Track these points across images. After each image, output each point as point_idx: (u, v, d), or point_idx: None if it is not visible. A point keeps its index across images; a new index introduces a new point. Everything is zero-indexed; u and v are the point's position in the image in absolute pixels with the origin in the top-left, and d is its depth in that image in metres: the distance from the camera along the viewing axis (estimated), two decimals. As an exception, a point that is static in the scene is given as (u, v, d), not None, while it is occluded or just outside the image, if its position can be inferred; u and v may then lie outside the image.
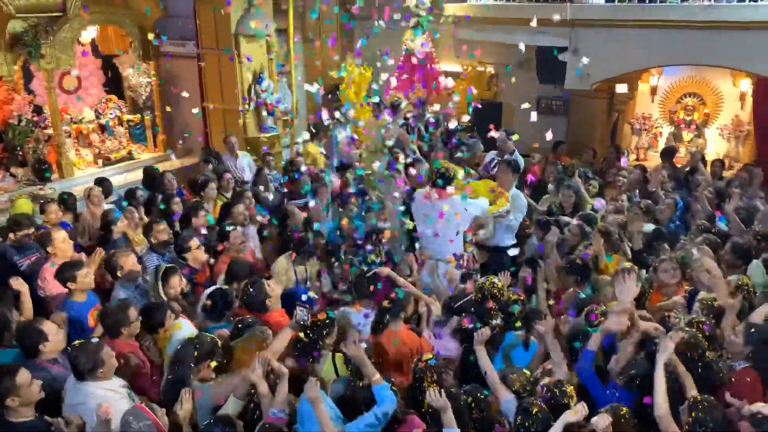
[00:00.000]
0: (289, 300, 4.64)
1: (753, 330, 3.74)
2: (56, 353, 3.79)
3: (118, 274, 4.73)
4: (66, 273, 4.44)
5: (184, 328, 4.13)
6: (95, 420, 3.21)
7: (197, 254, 5.20)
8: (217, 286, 4.71)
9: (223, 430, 3.16)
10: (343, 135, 8.05)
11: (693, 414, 3.17)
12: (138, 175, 8.23)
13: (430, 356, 3.83)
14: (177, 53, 9.60)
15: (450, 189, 5.47)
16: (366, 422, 3.36)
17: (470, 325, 4.27)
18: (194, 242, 5.22)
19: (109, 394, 3.43)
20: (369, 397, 3.51)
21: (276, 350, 3.85)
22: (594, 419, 3.18)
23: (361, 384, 3.65)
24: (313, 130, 8.73)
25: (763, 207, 6.53)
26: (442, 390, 3.29)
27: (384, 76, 7.40)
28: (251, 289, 4.46)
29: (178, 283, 4.59)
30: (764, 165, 8.95)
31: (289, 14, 8.66)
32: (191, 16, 9.15)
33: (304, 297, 4.70)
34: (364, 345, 3.90)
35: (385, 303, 4.43)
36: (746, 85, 9.70)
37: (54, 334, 3.76)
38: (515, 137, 7.51)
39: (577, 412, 3.23)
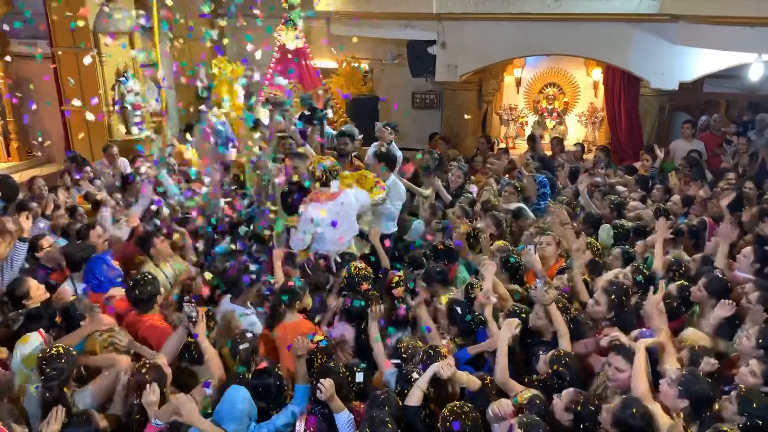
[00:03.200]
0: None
1: (613, 296, 4.07)
2: None
3: None
4: None
5: (31, 342, 3.69)
6: None
7: (51, 252, 4.81)
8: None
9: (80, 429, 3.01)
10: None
11: (554, 367, 3.42)
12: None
13: (321, 338, 3.86)
14: (28, 53, 8.84)
15: (336, 184, 5.43)
16: (284, 420, 3.43)
17: (351, 304, 4.31)
18: (47, 240, 4.82)
19: None
20: (257, 386, 3.52)
21: (169, 352, 3.71)
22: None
23: (249, 377, 3.63)
24: (186, 131, 8.40)
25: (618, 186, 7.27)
26: (326, 381, 3.30)
27: (257, 74, 7.21)
28: (148, 277, 4.19)
29: (36, 288, 4.20)
30: (617, 148, 9.86)
31: (154, 11, 8.26)
32: (42, 12, 8.47)
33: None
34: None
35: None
36: (598, 74, 10.56)
37: None
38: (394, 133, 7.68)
39: (444, 366, 3.36)
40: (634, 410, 3.01)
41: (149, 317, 4.21)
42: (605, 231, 5.58)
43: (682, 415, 3.14)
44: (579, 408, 3.11)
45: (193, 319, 3.71)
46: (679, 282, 4.42)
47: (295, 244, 5.33)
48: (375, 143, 7.97)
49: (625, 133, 9.69)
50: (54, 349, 3.40)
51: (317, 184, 5.34)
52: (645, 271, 4.53)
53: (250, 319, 4.42)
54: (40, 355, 3.40)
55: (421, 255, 5.37)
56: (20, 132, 9.26)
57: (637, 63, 8.69)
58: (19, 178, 7.38)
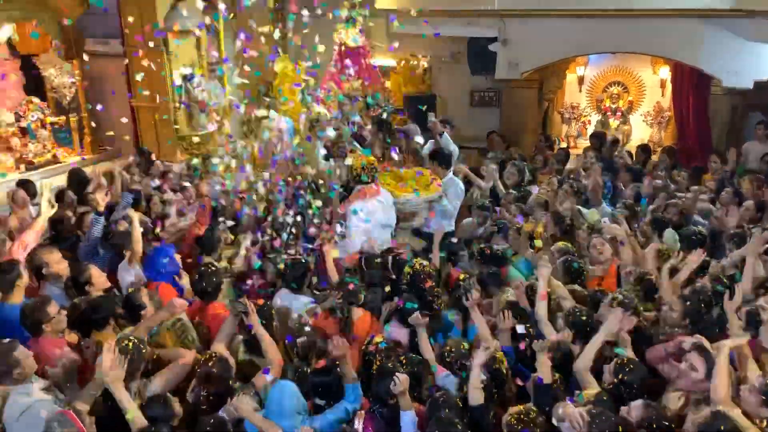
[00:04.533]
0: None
1: (688, 303, 3.97)
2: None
3: (44, 272, 4.42)
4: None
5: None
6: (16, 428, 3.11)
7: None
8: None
9: (157, 412, 3.10)
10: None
11: (620, 376, 3.32)
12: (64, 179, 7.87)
13: (381, 339, 3.85)
14: (101, 52, 9.25)
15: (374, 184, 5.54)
16: (336, 416, 3.40)
17: (403, 305, 4.25)
18: (123, 224, 5.03)
19: (29, 401, 3.22)
20: (317, 384, 3.51)
21: (222, 341, 3.82)
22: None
23: (308, 370, 3.65)
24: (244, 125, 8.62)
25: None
26: (401, 375, 3.26)
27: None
28: (213, 268, 4.36)
29: (98, 275, 4.38)
30: (685, 149, 9.48)
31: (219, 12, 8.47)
32: (115, 12, 8.85)
33: None
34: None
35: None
36: (665, 72, 10.19)
37: None
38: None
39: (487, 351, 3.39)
40: (722, 427, 2.87)
41: (213, 306, 4.38)
42: (671, 234, 5.37)
43: (765, 422, 3.01)
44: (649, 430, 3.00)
45: (244, 311, 3.78)
46: None
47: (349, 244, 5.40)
48: (430, 141, 7.93)
49: (694, 133, 9.33)
50: (126, 340, 3.39)
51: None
52: (725, 280, 4.30)
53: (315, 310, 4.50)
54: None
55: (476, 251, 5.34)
56: (93, 126, 9.68)
57: (709, 61, 8.35)
58: (90, 170, 7.77)
